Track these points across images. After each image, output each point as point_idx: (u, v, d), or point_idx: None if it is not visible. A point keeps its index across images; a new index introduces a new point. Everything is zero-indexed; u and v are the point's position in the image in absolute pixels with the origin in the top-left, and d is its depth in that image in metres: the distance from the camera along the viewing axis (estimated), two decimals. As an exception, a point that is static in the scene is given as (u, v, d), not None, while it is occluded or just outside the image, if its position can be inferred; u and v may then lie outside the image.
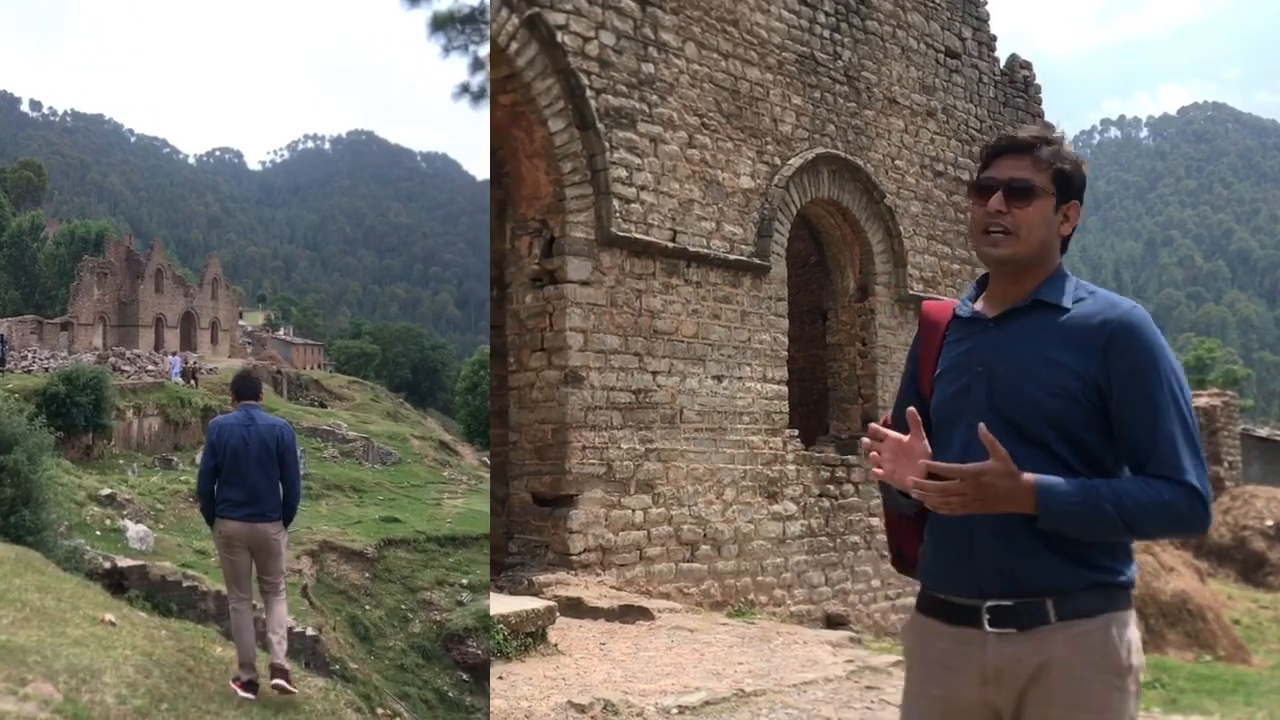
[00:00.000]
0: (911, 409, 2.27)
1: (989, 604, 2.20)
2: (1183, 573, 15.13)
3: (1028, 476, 2.11)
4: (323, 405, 45.68)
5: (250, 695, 5.47)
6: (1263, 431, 31.27)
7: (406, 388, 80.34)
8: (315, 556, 21.34)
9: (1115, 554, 2.22)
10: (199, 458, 5.74)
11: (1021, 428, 2.19)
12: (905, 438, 2.26)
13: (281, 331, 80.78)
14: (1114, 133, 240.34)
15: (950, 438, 2.29)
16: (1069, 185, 2.32)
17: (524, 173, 10.77)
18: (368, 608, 21.68)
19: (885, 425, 2.35)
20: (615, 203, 10.79)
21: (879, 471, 2.29)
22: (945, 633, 2.28)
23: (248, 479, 5.53)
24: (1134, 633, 2.23)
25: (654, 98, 11.30)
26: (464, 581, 24.64)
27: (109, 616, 5.68)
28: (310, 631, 16.06)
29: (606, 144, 10.75)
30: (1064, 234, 2.34)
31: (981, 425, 2.13)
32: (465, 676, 21.73)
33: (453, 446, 45.16)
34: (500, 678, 6.76)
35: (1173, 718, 6.15)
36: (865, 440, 2.34)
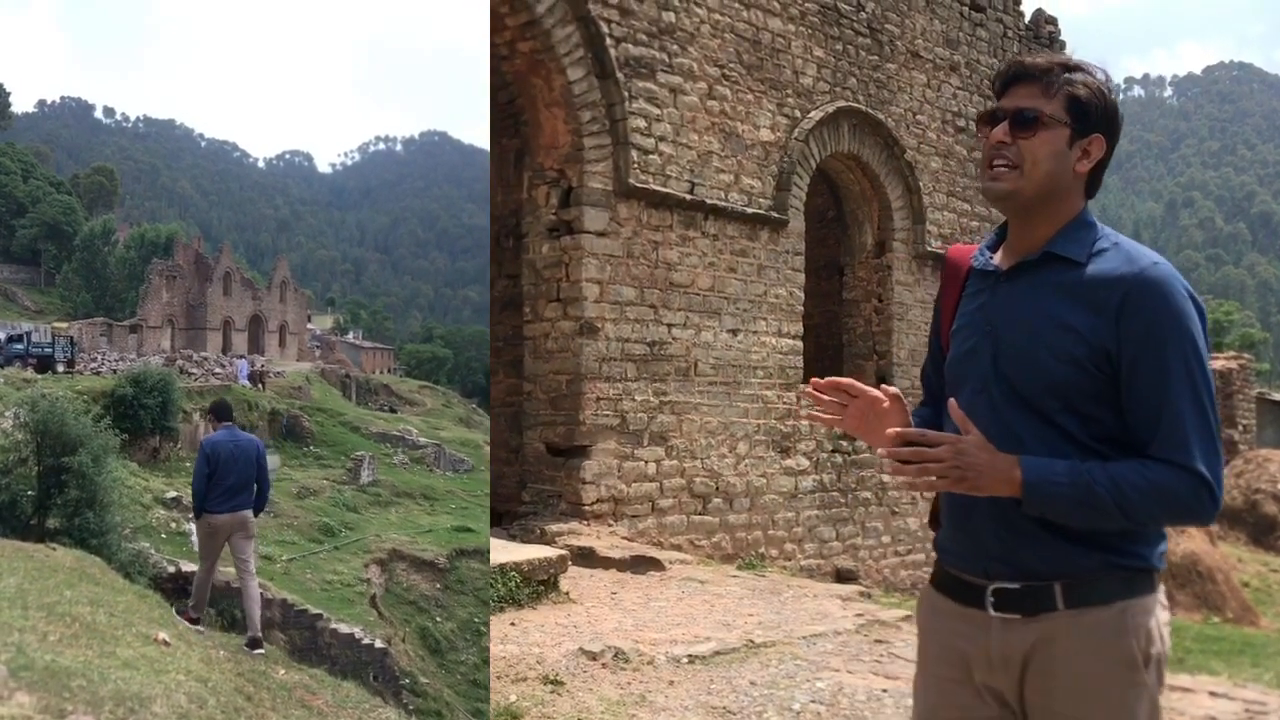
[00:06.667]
0: (894, 390, 2.18)
1: (994, 586, 2.04)
2: (1193, 534, 15.12)
3: (1012, 456, 1.93)
4: (392, 410, 45.06)
5: (199, 629, 6.92)
6: (1278, 396, 31.11)
7: (480, 393, 78.87)
8: (384, 565, 20.68)
9: (1135, 534, 2.00)
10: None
11: (1026, 396, 2.00)
12: (886, 402, 2.15)
13: (350, 335, 79.15)
14: (1137, 91, 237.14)
15: (956, 401, 2.08)
16: (1085, 115, 2.03)
17: (542, 121, 10.69)
18: (439, 620, 20.83)
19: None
20: (634, 153, 10.71)
21: (829, 418, 2.20)
22: (953, 611, 2.14)
23: (236, 482, 7.13)
24: (1158, 619, 2.02)
25: (674, 47, 11.17)
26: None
27: (163, 635, 5.45)
28: (379, 644, 15.44)
29: (626, 94, 10.66)
30: (1080, 171, 2.06)
31: (951, 401, 1.99)
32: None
33: (527, 454, 44.48)
34: (513, 624, 6.84)
35: (1180, 677, 6.17)
36: (815, 381, 2.21)
